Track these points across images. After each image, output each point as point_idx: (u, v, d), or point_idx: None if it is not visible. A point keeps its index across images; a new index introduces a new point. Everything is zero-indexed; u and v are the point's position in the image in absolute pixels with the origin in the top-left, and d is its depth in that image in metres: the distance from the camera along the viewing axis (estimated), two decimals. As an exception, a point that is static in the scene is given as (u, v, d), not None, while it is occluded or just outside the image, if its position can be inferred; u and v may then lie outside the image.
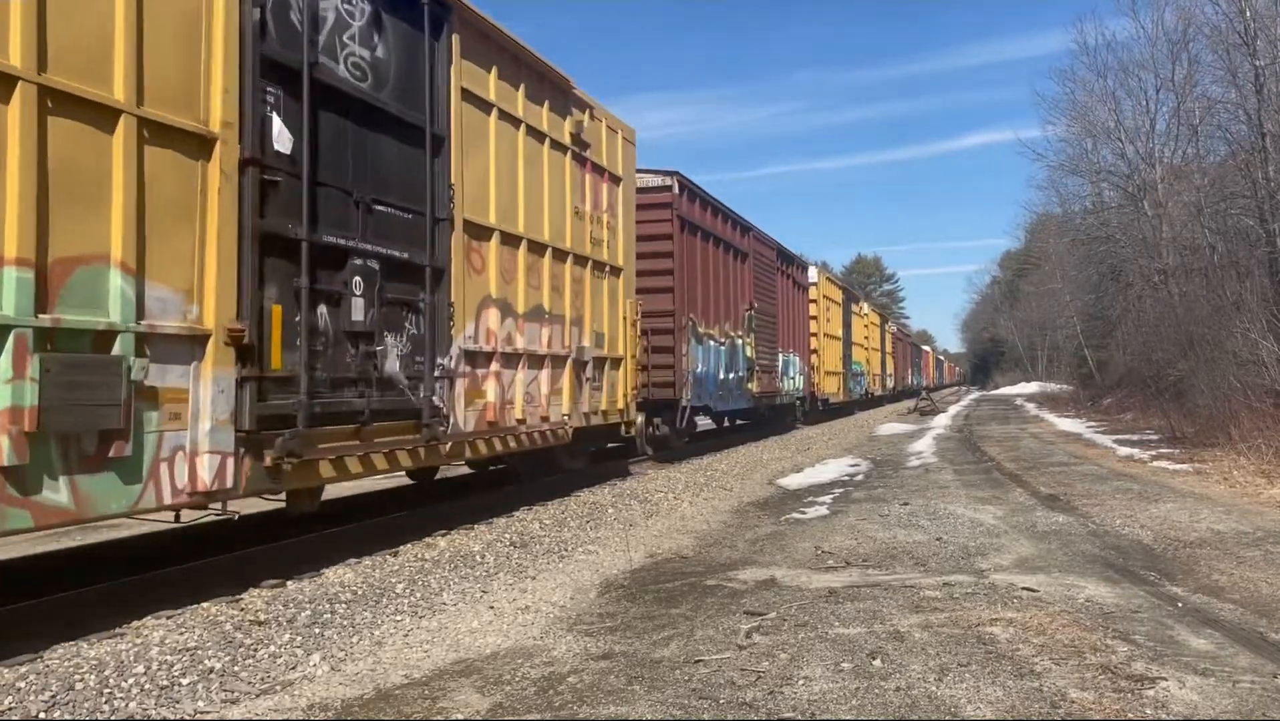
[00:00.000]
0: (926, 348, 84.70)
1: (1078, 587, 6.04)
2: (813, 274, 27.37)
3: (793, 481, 12.76)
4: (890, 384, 48.30)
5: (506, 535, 8.23)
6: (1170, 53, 29.25)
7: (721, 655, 4.70)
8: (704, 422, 22.48)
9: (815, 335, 26.85)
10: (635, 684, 4.31)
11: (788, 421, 25.23)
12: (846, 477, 13.12)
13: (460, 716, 3.97)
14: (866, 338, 38.59)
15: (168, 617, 5.36)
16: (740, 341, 18.78)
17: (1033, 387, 58.57)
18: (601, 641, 5.03)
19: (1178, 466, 13.33)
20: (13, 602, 5.52)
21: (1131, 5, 35.94)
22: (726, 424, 23.01)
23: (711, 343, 16.80)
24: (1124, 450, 16.29)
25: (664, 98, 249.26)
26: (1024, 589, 5.98)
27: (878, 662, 4.52)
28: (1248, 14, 21.61)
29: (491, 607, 5.84)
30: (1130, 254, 31.81)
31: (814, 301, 27.05)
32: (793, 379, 23.82)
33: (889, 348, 47.97)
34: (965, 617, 5.29)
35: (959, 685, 4.19)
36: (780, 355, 22.38)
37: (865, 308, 40.07)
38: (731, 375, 17.98)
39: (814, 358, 26.68)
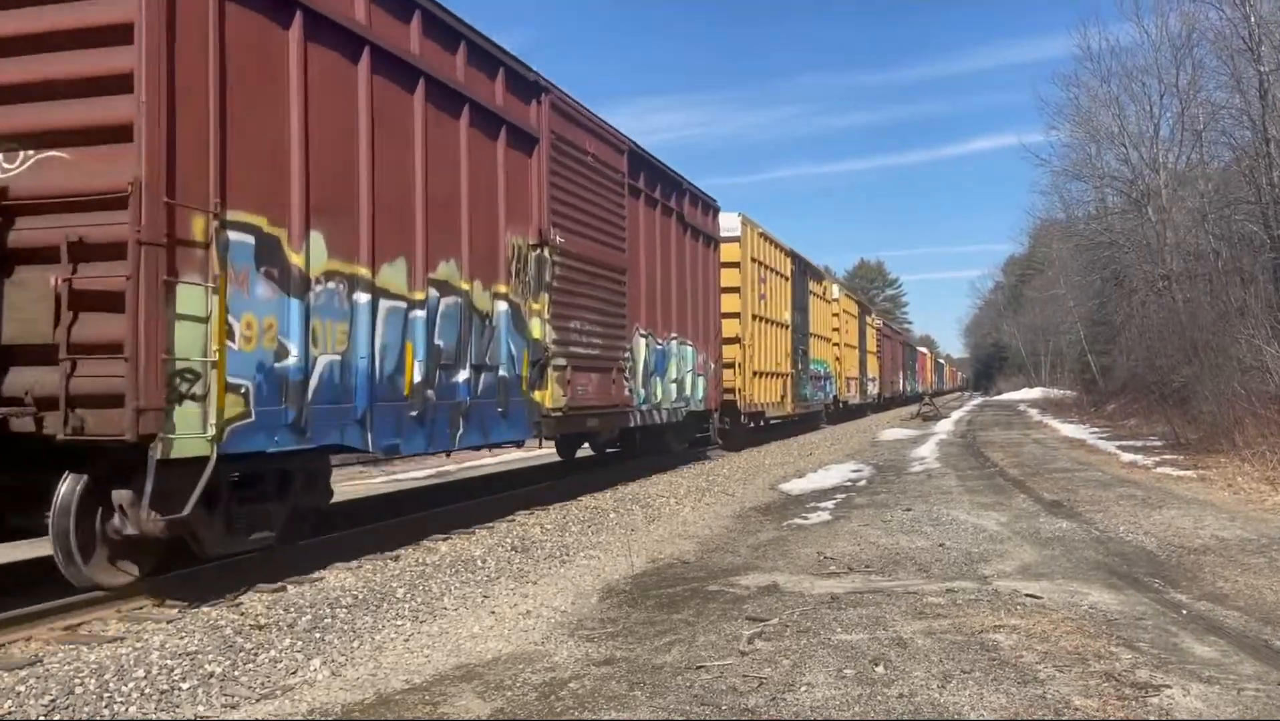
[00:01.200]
0: (923, 349, 79.68)
1: (1081, 594, 6.01)
2: (729, 222, 18.12)
3: (795, 486, 12.74)
4: (873, 389, 40.36)
5: (508, 539, 8.21)
6: (1174, 58, 29.21)
7: (723, 661, 4.68)
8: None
9: (737, 317, 18.29)
10: (637, 690, 4.29)
11: (677, 450, 16.24)
12: (849, 483, 13.09)
13: (461, 722, 3.96)
14: (837, 330, 30.83)
15: (167, 621, 5.35)
16: (504, 305, 9.38)
17: (1036, 393, 58.51)
18: (603, 647, 5.01)
19: (1182, 472, 13.29)
20: (12, 606, 5.50)
21: (1135, 10, 36.10)
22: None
23: (359, 295, 7.18)
24: (1127, 456, 16.25)
25: (673, 100, 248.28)
26: (1027, 595, 5.96)
27: (880, 669, 4.50)
28: (1252, 20, 21.59)
29: (493, 612, 5.83)
30: (1134, 259, 31.75)
31: (733, 266, 18.20)
32: (678, 381, 14.70)
33: (872, 345, 40.48)
34: (968, 624, 5.27)
35: (962, 692, 4.16)
36: (644, 342, 13.18)
37: (834, 289, 31.70)
38: (463, 376, 8.58)
39: (735, 351, 18.14)
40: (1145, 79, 31.20)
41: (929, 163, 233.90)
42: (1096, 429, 24.92)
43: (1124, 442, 19.36)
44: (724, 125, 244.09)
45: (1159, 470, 13.86)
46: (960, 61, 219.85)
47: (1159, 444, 18.25)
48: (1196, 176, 27.79)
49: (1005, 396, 67.99)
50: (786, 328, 22.20)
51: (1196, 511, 9.63)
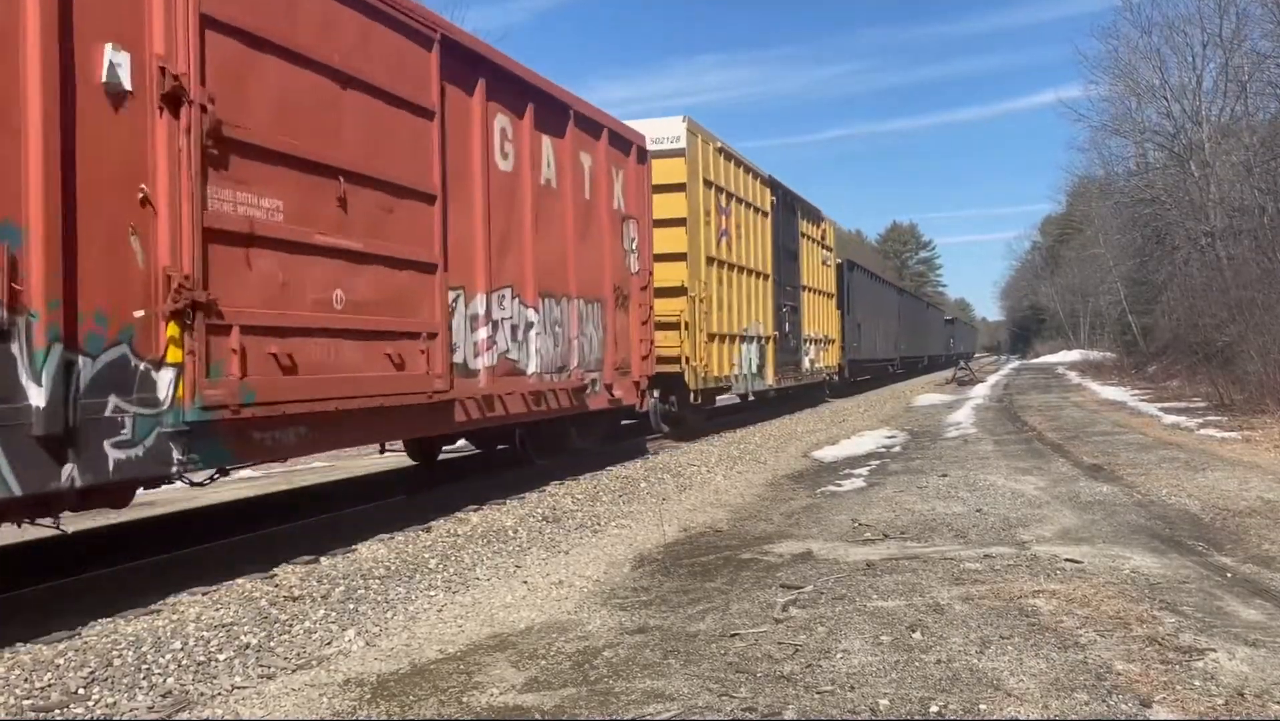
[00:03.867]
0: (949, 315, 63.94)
1: (1123, 558, 5.89)
2: None
3: (828, 454, 12.64)
4: (816, 358, 22.14)
5: (538, 510, 8.22)
6: (1218, 6, 28.30)
7: (758, 628, 4.64)
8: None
9: None
10: (671, 657, 4.27)
11: None
12: (883, 449, 12.97)
13: (496, 690, 3.96)
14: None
15: (203, 594, 5.40)
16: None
17: (1075, 356, 57.62)
18: (636, 615, 4.99)
19: (1226, 434, 13.01)
20: (50, 581, 5.60)
21: (1177, -42, 34.82)
22: None
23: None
24: (1170, 418, 15.93)
25: (726, 58, 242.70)
26: (1067, 560, 5.85)
27: (917, 635, 4.43)
28: (1300, -36, 20.82)
29: (525, 582, 5.83)
30: (1176, 216, 30.98)
31: None
32: None
33: (825, 282, 23.36)
34: (1007, 590, 5.18)
35: (1001, 657, 4.09)
36: None
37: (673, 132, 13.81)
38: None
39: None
40: (1187, 29, 30.32)
41: (963, 123, 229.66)
42: (1137, 391, 24.48)
43: (1166, 405, 19.00)
44: (773, 85, 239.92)
45: (1202, 432, 13.58)
46: (996, 17, 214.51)
47: (1202, 405, 17.88)
48: (1241, 129, 27.00)
49: (1043, 359, 67.04)
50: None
51: (1242, 473, 9.42)
